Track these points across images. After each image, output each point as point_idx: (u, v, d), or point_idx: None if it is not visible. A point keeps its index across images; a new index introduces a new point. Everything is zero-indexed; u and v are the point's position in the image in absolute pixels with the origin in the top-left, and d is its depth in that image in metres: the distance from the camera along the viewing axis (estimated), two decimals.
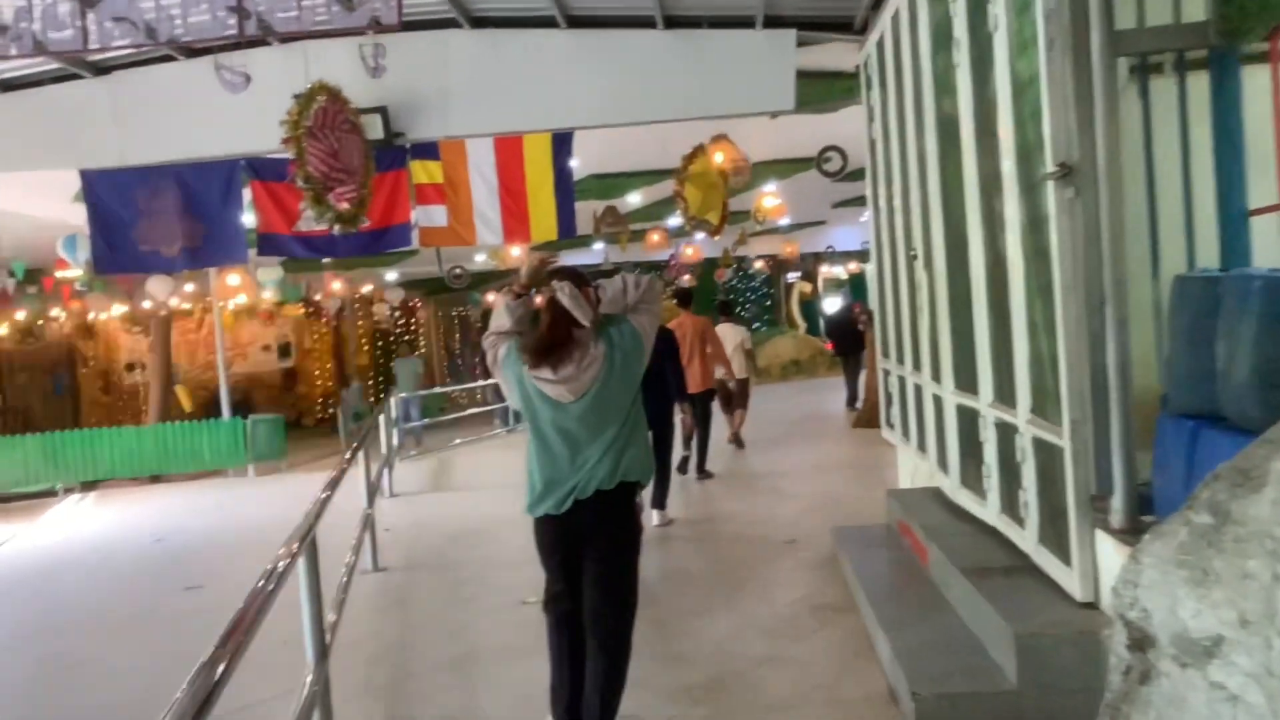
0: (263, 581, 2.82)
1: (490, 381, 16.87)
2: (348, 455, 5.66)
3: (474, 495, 9.23)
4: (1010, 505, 4.30)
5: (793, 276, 27.68)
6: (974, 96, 4.39)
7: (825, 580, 5.41)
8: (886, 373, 7.02)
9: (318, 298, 17.42)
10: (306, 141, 6.18)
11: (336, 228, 6.30)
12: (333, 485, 4.45)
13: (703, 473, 8.84)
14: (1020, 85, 3.79)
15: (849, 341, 13.93)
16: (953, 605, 4.27)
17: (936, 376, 5.36)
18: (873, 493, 7.52)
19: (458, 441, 13.67)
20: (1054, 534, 3.78)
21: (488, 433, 14.45)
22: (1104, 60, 3.29)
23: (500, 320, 3.45)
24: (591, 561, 3.39)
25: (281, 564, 3.03)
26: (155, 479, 13.20)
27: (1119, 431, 3.37)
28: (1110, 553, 3.38)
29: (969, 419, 4.84)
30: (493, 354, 3.47)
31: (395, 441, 11.73)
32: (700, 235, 19.49)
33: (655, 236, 14.71)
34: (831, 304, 27.80)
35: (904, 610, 4.40)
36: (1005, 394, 4.28)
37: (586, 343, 3.28)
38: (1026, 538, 4.01)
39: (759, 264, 24.69)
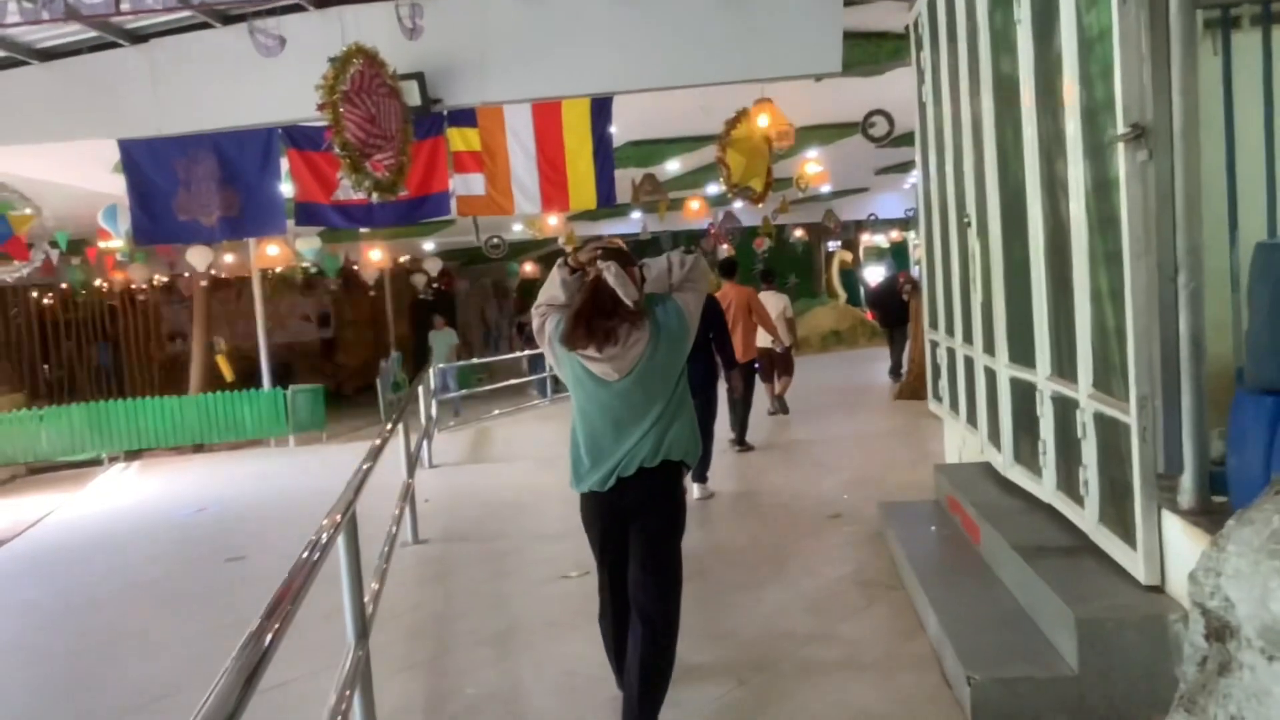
0: (306, 553, 2.77)
1: (529, 352, 16.93)
2: (388, 427, 5.60)
3: (512, 467, 9.19)
4: (1068, 483, 4.14)
5: (833, 245, 27.30)
6: (1035, 54, 4.19)
7: (872, 556, 5.28)
8: (934, 344, 6.84)
9: (356, 267, 17.44)
10: (343, 106, 6.06)
11: (375, 196, 6.20)
12: (373, 456, 4.39)
13: (742, 444, 8.74)
14: (1088, 41, 3.59)
15: (893, 312, 13.68)
16: (1007, 585, 4.12)
17: (990, 349, 5.18)
18: (919, 466, 7.37)
19: (496, 412, 13.66)
20: (1116, 514, 3.62)
21: (526, 404, 14.42)
22: (1182, 13, 3.09)
23: (553, 292, 3.42)
24: (636, 540, 3.36)
25: (324, 536, 2.98)
26: (198, 448, 13.34)
27: (1190, 407, 3.20)
28: (1178, 535, 3.23)
29: (1024, 393, 4.68)
30: (539, 322, 3.45)
31: (434, 413, 11.74)
32: (739, 203, 19.34)
33: (694, 205, 14.50)
34: (874, 273, 27.51)
35: (955, 589, 4.27)
36: (1065, 367, 4.11)
37: (631, 321, 3.24)
38: (1086, 517, 3.86)
39: (799, 232, 24.36)
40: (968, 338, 5.78)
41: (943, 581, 4.41)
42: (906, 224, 25.37)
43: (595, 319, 3.24)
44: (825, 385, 13.25)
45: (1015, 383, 4.81)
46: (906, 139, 12.85)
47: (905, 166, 17.44)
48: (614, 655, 3.57)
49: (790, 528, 6.03)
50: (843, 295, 25.81)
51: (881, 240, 27.69)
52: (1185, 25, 3.10)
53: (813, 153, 13.12)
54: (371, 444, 4.75)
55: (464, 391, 15.79)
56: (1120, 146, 3.27)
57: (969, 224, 5.49)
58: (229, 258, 14.73)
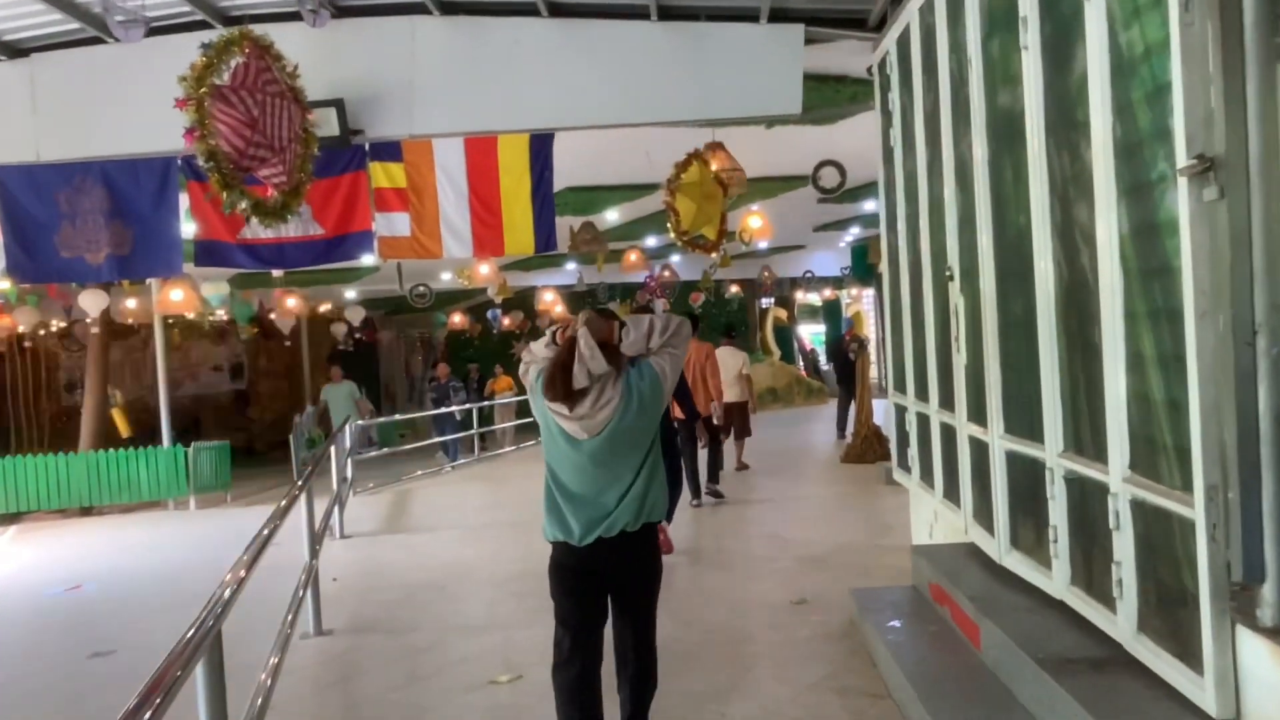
0: (139, 702, 2.01)
1: (433, 412, 16.09)
2: (283, 502, 4.77)
3: (434, 538, 8.33)
4: (1090, 580, 3.54)
5: (766, 302, 27.04)
6: (1046, 84, 3.66)
7: (848, 655, 4.61)
8: (901, 409, 6.27)
9: (272, 316, 16.42)
10: (212, 104, 4.78)
11: (255, 221, 5.31)
12: (257, 549, 3.61)
13: (713, 493, 8.96)
14: (1127, 63, 3.06)
15: (845, 370, 13.26)
16: (1024, 705, 3.47)
17: (978, 417, 4.60)
18: (885, 543, 6.76)
19: (419, 473, 12.76)
20: (1165, 624, 3.01)
21: (459, 461, 13.56)
22: (1260, 25, 2.56)
23: (538, 349, 3.50)
24: (621, 598, 3.49)
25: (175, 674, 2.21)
26: (86, 511, 12.11)
27: (1273, 500, 2.61)
28: (1259, 658, 2.61)
29: (1025, 470, 4.09)
30: (524, 368, 3.56)
31: (349, 474, 10.82)
32: (677, 257, 18.86)
33: (633, 256, 13.93)
34: (810, 331, 27.32)
35: (960, 707, 3.60)
36: (1085, 444, 3.52)
37: (604, 382, 3.31)
38: (1120, 624, 3.24)
39: (734, 288, 24.00)
40: (946, 403, 5.20)
41: (941, 695, 3.75)
42: (840, 282, 25.27)
43: (559, 374, 3.30)
44: (770, 448, 12.65)
45: (1014, 458, 4.22)
46: (856, 192, 12.60)
47: (844, 224, 17.20)
48: (574, 707, 3.50)
49: (753, 618, 5.33)
50: (777, 352, 25.47)
51: (815, 298, 27.57)
52: (1263, 38, 2.56)
53: (756, 205, 12.71)
54: (263, 529, 3.95)
55: (386, 449, 14.84)
56: (1181, 183, 2.71)
57: (951, 277, 4.94)
58: (131, 302, 13.63)
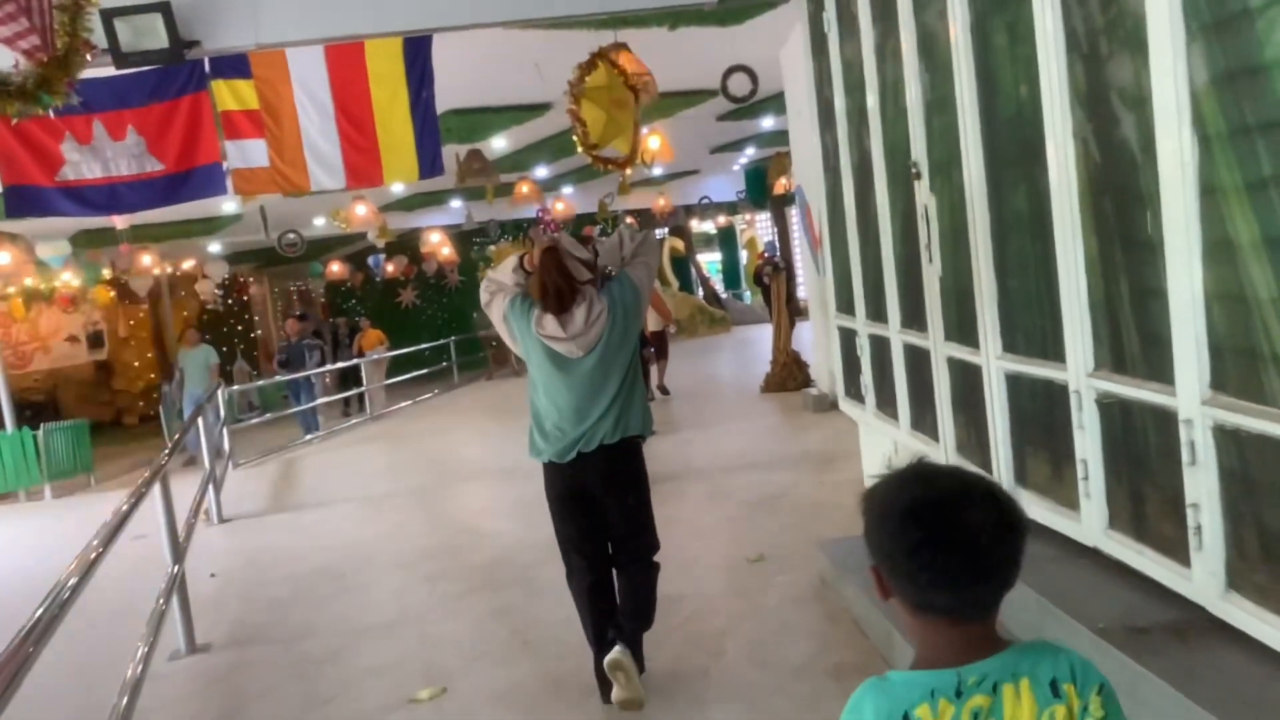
0: None
1: (343, 365, 14.87)
2: (124, 503, 3.81)
3: (327, 515, 7.35)
4: (1140, 524, 2.92)
5: (661, 232, 26.26)
6: None
7: (829, 624, 3.94)
8: (850, 332, 5.60)
9: (126, 277, 14.80)
10: None
11: (76, 159, 4.20)
12: (79, 572, 2.70)
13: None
14: None
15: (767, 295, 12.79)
16: None
17: (964, 336, 3.94)
18: (833, 480, 6.15)
19: (308, 438, 11.66)
20: (1269, 579, 2.39)
21: (338, 427, 12.46)
22: None
23: (503, 275, 3.55)
24: (611, 509, 3.51)
25: None
26: None
27: None
28: None
29: (1036, 394, 3.45)
30: (487, 298, 3.55)
31: (226, 447, 9.69)
32: (569, 189, 17.83)
33: (524, 188, 12.90)
34: (705, 259, 26.74)
35: None
36: (1129, 360, 2.87)
37: (591, 297, 3.38)
38: (1198, 580, 2.61)
39: (629, 219, 23.11)
40: (913, 322, 4.54)
41: None
42: (735, 208, 24.66)
43: (558, 282, 3.36)
44: (685, 381, 11.97)
45: (1018, 381, 3.57)
46: (756, 107, 11.83)
47: (740, 144, 16.49)
48: (591, 610, 3.52)
49: (704, 579, 4.62)
50: (675, 283, 24.81)
51: (709, 227, 26.96)
52: None
53: (652, 125, 11.83)
54: (94, 540, 3.01)
55: (269, 415, 13.62)
56: None
57: (917, 174, 4.22)
58: None
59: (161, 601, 4.13)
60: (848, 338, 5.70)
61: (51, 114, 5.24)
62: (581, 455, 3.41)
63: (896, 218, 4.60)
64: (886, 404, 5.11)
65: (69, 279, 14.76)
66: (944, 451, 4.29)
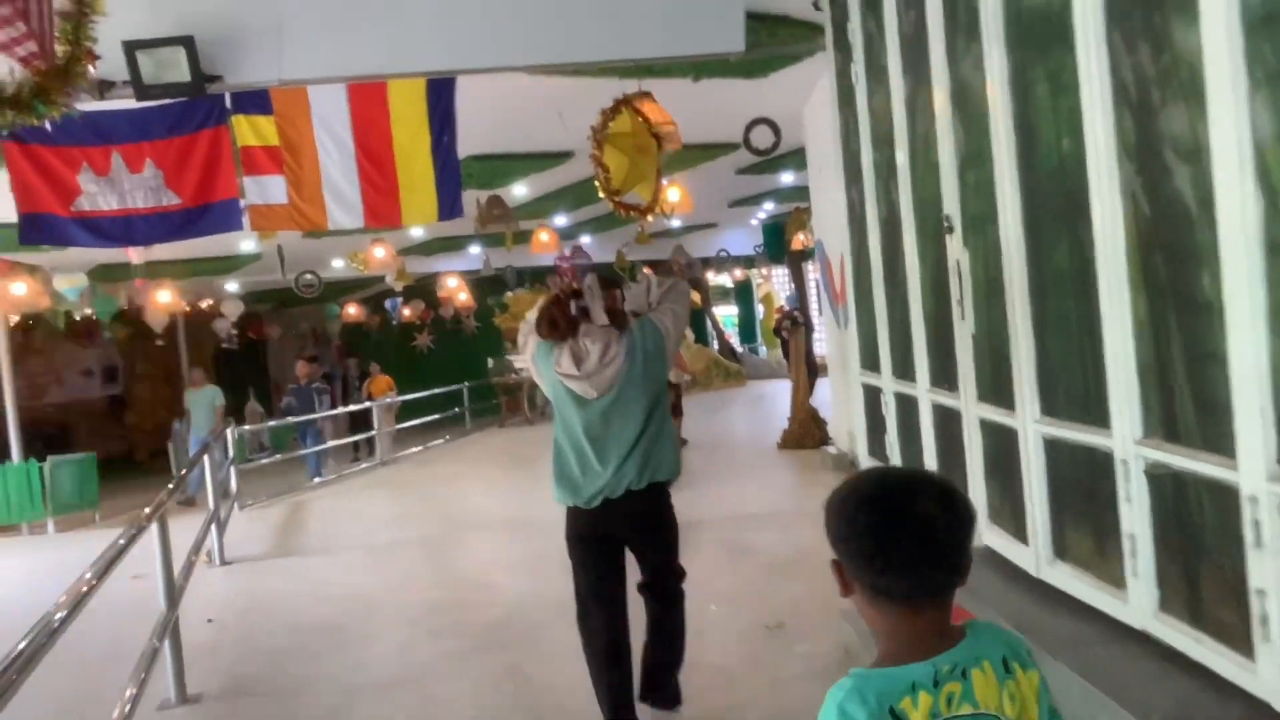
0: None
1: (353, 408, 14.75)
2: (121, 538, 3.68)
3: (330, 562, 7.16)
4: (1196, 609, 2.71)
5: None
6: None
7: None
8: (875, 390, 5.43)
9: (147, 313, 14.78)
10: None
11: (93, 189, 4.11)
12: (70, 605, 2.58)
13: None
14: None
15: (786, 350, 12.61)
16: None
17: (998, 396, 3.77)
18: None
19: (315, 481, 11.50)
20: None
21: (349, 470, 12.30)
22: None
23: (535, 320, 3.62)
24: (639, 553, 3.56)
25: None
26: None
27: None
28: None
29: (1080, 462, 3.26)
30: (523, 340, 3.66)
31: (234, 488, 9.55)
32: (587, 238, 17.81)
33: (544, 236, 12.86)
34: (721, 313, 26.65)
35: None
36: (1183, 429, 2.69)
37: (610, 339, 3.40)
38: (1268, 675, 2.40)
39: (646, 270, 23.09)
40: (943, 381, 4.37)
41: None
42: (751, 262, 24.61)
43: (553, 312, 3.49)
44: (702, 432, 11.77)
45: (1058, 447, 3.39)
46: (776, 162, 11.79)
47: (759, 199, 16.47)
48: (602, 657, 3.45)
49: (719, 648, 4.40)
50: (690, 335, 24.72)
51: (726, 280, 26.91)
52: None
53: (672, 177, 11.79)
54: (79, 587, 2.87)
55: (279, 455, 13.47)
56: None
57: (949, 229, 4.09)
58: None
59: (156, 644, 3.97)
60: (872, 395, 5.53)
61: (70, 144, 5.22)
62: (608, 501, 3.41)
63: (926, 273, 4.46)
64: (913, 465, 4.92)
65: (86, 312, 14.77)
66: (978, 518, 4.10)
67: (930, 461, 4.60)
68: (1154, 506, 2.87)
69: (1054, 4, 3.11)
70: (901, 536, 1.33)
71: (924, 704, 1.28)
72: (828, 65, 5.89)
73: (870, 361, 5.51)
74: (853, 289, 5.79)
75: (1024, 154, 3.43)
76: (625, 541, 3.51)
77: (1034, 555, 3.56)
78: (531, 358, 3.58)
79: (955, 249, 4.05)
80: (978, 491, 4.06)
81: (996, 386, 3.79)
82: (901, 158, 4.62)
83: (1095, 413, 3.10)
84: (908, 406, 4.89)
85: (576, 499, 3.45)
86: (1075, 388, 3.24)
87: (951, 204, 4.04)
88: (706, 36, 5.65)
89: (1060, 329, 3.31)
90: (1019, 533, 3.69)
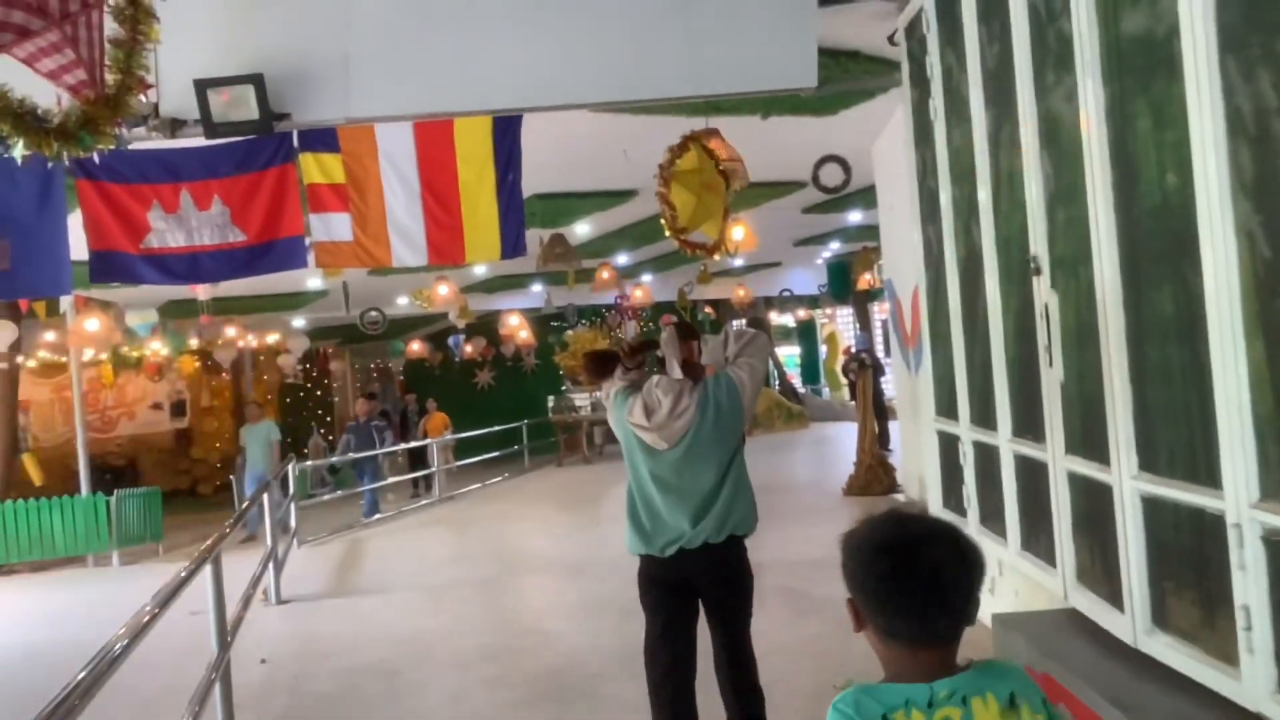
0: None
1: (411, 444, 14.82)
2: (182, 571, 3.64)
3: (386, 603, 7.06)
4: None
5: (737, 324, 26.00)
6: None
7: None
8: (951, 438, 5.19)
9: (215, 348, 15.05)
10: None
11: (161, 227, 4.08)
12: (130, 635, 2.55)
13: None
14: None
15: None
16: None
17: (1090, 450, 3.52)
18: None
19: (376, 517, 11.48)
20: None
21: (408, 506, 12.26)
22: None
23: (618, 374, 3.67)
24: (712, 614, 3.52)
25: None
26: None
27: None
28: None
29: (1185, 523, 3.00)
30: (607, 391, 3.65)
31: (293, 524, 9.55)
32: (648, 276, 17.76)
33: (605, 274, 12.81)
34: (783, 353, 26.35)
35: None
36: None
37: (682, 390, 3.41)
38: None
39: (708, 309, 22.95)
40: (1027, 431, 4.13)
41: None
42: (815, 302, 24.31)
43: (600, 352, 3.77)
44: (762, 475, 11.49)
45: (1159, 507, 3.13)
46: (842, 201, 11.61)
47: (824, 238, 16.28)
48: (667, 691, 3.44)
49: (786, 707, 4.17)
50: None
51: (789, 320, 26.62)
52: None
53: (737, 215, 11.68)
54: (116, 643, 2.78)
55: (340, 492, 13.52)
56: None
57: (1037, 270, 3.87)
58: (50, 335, 12.30)
59: (208, 682, 3.89)
60: (948, 443, 5.29)
61: (142, 181, 5.26)
62: (683, 551, 3.41)
63: (1010, 316, 4.24)
64: (992, 519, 4.66)
65: (157, 347, 15.08)
66: (1062, 580, 3.84)
67: (1012, 515, 4.35)
68: (1272, 575, 2.61)
69: (1158, 31, 2.91)
70: (912, 586, 1.41)
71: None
72: (903, 100, 5.73)
73: (946, 408, 5.27)
74: (927, 331, 5.57)
75: (1122, 191, 3.21)
76: (699, 592, 3.49)
77: (1130, 623, 3.30)
78: (609, 407, 3.64)
79: (1043, 291, 3.83)
80: (1065, 548, 3.81)
81: (1088, 438, 3.55)
82: (984, 195, 4.42)
83: (1203, 471, 2.85)
84: (987, 456, 4.65)
85: (650, 548, 3.46)
86: (1179, 443, 2.99)
87: (1039, 244, 3.84)
88: (779, 72, 5.52)
89: (1162, 378, 3.07)
90: (1113, 597, 3.43)
